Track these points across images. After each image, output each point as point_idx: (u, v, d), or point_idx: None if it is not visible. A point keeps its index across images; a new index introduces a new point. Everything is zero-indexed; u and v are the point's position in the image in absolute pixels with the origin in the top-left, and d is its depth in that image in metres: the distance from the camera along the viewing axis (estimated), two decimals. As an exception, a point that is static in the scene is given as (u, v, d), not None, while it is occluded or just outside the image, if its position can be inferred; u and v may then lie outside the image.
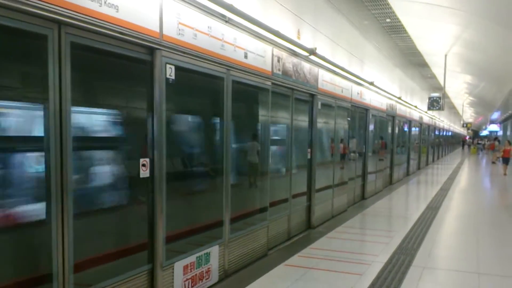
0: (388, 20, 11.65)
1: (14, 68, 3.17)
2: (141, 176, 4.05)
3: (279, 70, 6.57)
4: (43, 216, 3.21)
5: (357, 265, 5.83)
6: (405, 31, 12.99)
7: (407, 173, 19.90)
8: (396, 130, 16.76)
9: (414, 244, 6.92)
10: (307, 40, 7.60)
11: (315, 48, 7.48)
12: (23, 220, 3.16)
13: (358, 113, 11.70)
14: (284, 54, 6.72)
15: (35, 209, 3.23)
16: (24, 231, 3.18)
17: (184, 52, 4.47)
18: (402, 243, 7.00)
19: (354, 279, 5.24)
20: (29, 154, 3.31)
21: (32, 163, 3.27)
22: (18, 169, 3.22)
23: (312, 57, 7.66)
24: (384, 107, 14.18)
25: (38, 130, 3.21)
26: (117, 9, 3.62)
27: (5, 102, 3.13)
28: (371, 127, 12.75)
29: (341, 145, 10.00)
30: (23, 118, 3.29)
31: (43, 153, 3.18)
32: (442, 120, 34.33)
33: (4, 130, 3.11)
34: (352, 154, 11.14)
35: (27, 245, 3.21)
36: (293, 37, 6.96)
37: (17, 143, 3.25)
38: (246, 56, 5.63)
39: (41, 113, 3.18)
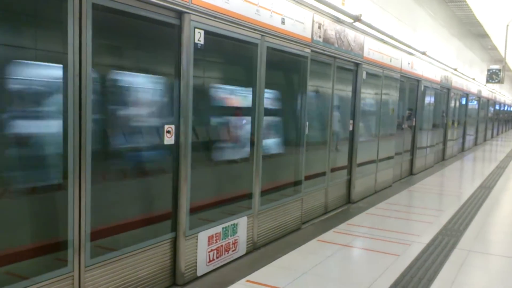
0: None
1: (33, 30, 3.10)
2: (165, 143, 3.95)
3: (319, 37, 6.22)
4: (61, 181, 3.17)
5: (395, 244, 5.55)
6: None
7: (462, 149, 18.97)
8: (451, 103, 15.88)
9: (461, 226, 6.52)
10: (352, 6, 7.16)
11: (360, 15, 7.04)
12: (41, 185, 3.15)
13: (409, 84, 11.11)
14: (326, 21, 6.35)
15: (54, 174, 3.21)
16: (40, 196, 3.17)
17: (215, 17, 4.27)
18: (448, 224, 6.61)
19: (390, 260, 4.98)
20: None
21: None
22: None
23: (357, 24, 7.22)
24: (438, 78, 13.39)
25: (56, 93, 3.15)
26: (142, -30, 3.46)
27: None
28: (425, 99, 12.11)
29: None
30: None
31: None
32: (504, 95, 32.31)
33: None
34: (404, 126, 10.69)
35: (44, 211, 3.20)
36: (337, 2, 6.55)
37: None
38: (283, 22, 5.34)
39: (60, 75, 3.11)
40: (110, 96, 3.65)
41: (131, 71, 3.85)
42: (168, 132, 3.96)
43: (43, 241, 3.12)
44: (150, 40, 3.93)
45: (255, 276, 4.40)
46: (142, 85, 4.00)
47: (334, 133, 7.26)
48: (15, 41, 2.95)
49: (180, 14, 3.96)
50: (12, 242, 2.94)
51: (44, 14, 3.12)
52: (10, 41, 2.91)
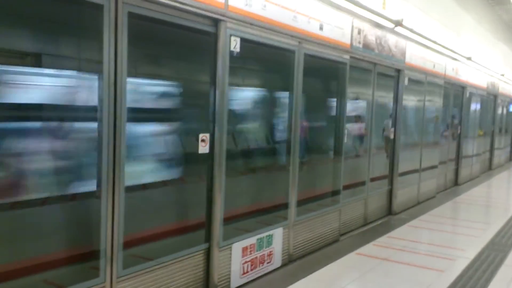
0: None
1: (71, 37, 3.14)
2: (200, 151, 3.89)
3: (359, 43, 6.05)
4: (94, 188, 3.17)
5: (439, 259, 5.28)
6: (509, 3, 11.53)
7: (510, 158, 18.13)
8: (499, 110, 15.21)
9: (509, 240, 6.15)
10: (394, 11, 6.93)
11: (402, 20, 6.81)
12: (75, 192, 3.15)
13: (453, 90, 10.69)
14: (365, 26, 6.17)
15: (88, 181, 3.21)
16: (75, 203, 3.17)
17: (251, 24, 4.20)
18: (495, 238, 6.26)
19: (433, 276, 4.73)
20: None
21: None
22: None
23: (399, 29, 6.99)
24: (484, 84, 12.84)
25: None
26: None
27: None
28: (472, 106, 11.65)
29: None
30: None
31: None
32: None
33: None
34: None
35: (78, 218, 3.20)
36: (377, 7, 6.36)
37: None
38: (321, 28, 5.21)
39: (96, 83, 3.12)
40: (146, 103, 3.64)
41: (168, 80, 3.85)
42: (203, 140, 3.91)
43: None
44: (186, 48, 3.91)
45: (291, 289, 4.27)
46: (180, 92, 3.99)
47: (373, 141, 7.02)
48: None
49: (216, 22, 3.91)
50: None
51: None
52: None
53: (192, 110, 4.11)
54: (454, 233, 6.71)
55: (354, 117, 6.02)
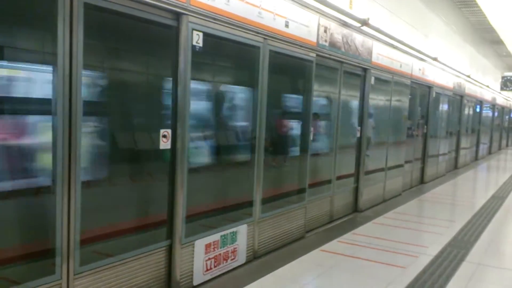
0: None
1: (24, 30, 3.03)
2: (161, 147, 3.83)
3: (325, 41, 6.08)
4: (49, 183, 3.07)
5: (402, 256, 5.35)
6: (476, 5, 11.82)
7: (476, 158, 18.60)
8: (465, 111, 15.58)
9: (472, 237, 6.28)
10: (361, 10, 7.00)
11: (368, 19, 6.87)
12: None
13: (420, 90, 10.89)
14: (332, 24, 6.21)
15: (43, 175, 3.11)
16: (29, 198, 3.07)
17: (214, 19, 4.15)
18: (457, 235, 6.38)
19: (396, 272, 4.78)
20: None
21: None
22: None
23: (365, 29, 7.06)
24: (450, 85, 13.13)
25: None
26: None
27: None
28: (439, 106, 11.88)
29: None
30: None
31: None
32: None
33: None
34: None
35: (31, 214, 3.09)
36: (344, 6, 6.40)
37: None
38: (287, 25, 5.21)
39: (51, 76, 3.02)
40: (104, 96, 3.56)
41: (127, 74, 3.76)
42: (164, 136, 3.85)
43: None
44: (147, 42, 3.83)
45: (254, 286, 4.24)
46: (140, 86, 3.91)
47: (339, 140, 7.07)
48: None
49: (177, 16, 3.86)
50: None
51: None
52: None
53: (153, 105, 4.03)
54: (418, 230, 6.81)
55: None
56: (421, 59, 10.30)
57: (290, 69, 5.81)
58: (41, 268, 3.04)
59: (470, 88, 15.98)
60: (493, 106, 21.34)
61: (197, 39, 4.02)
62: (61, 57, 3.00)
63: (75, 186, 3.11)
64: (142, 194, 3.91)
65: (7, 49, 3.00)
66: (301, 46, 5.52)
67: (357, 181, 7.78)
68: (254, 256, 5.00)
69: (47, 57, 3.09)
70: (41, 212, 3.14)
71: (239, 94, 5.12)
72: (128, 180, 3.84)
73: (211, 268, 4.35)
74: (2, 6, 2.83)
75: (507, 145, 27.99)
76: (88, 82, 3.27)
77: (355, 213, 7.66)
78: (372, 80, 7.73)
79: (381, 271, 4.85)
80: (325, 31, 6.04)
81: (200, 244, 4.19)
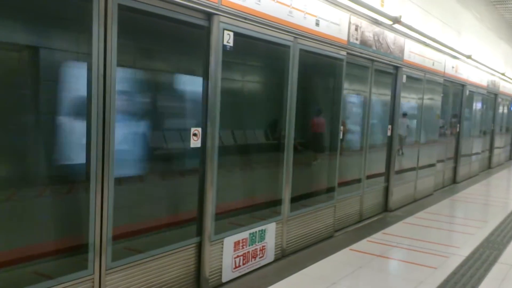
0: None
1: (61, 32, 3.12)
2: (191, 146, 3.89)
3: (356, 39, 6.03)
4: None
5: (433, 256, 5.27)
6: (511, 2, 11.46)
7: (510, 157, 18.09)
8: (499, 109, 15.16)
9: (505, 238, 6.13)
10: (392, 8, 6.90)
11: (400, 16, 6.77)
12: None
13: (453, 88, 10.66)
14: (363, 23, 6.15)
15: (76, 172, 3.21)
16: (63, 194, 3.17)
17: (245, 18, 4.18)
18: (490, 236, 6.24)
19: (426, 273, 4.72)
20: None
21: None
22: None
23: (397, 26, 6.96)
24: (484, 83, 12.79)
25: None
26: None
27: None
28: (472, 105, 11.62)
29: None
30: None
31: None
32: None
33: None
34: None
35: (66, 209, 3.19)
36: (375, 4, 6.32)
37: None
38: (317, 24, 5.19)
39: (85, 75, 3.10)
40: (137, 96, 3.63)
41: (159, 74, 3.83)
42: (195, 135, 3.90)
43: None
44: (179, 42, 3.89)
45: (282, 284, 4.26)
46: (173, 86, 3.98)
47: (369, 138, 7.00)
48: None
49: (209, 16, 3.90)
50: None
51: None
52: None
53: (183, 104, 4.09)
54: (450, 230, 6.69)
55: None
56: (454, 57, 10.08)
57: (320, 68, 5.79)
58: (74, 263, 3.14)
59: (505, 86, 15.55)
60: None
61: (228, 39, 4.06)
62: (96, 57, 3.08)
63: (108, 183, 3.20)
64: (172, 191, 3.98)
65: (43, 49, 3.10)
66: (331, 44, 5.49)
67: (387, 180, 7.69)
68: (282, 254, 5.02)
69: (81, 57, 3.17)
70: (76, 208, 3.24)
71: (268, 93, 5.13)
72: (159, 177, 3.91)
73: (239, 266, 4.40)
74: (38, 8, 2.92)
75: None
76: (121, 81, 3.34)
77: (385, 213, 7.58)
78: (404, 78, 7.62)
79: (411, 271, 4.80)
80: (356, 29, 5.99)
81: (229, 241, 4.24)
